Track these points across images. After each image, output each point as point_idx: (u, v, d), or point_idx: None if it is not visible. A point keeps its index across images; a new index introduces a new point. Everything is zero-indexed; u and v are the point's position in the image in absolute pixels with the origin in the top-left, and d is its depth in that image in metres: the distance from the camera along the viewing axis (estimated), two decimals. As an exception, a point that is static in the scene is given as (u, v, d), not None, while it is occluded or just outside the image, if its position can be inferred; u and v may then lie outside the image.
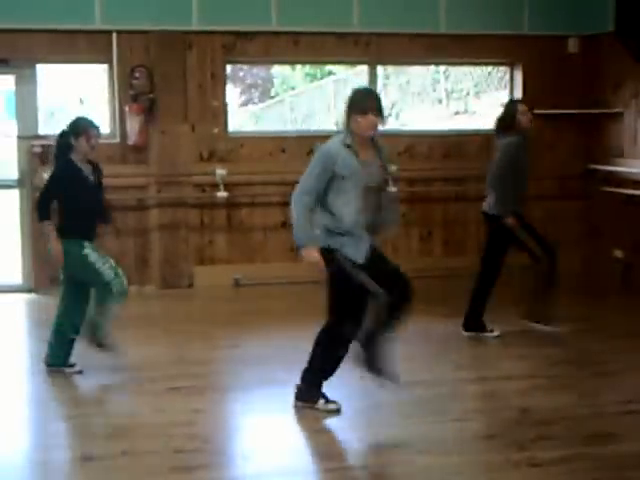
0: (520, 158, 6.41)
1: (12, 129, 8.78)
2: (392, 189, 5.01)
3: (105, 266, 5.54)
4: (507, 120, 6.48)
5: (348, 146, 4.71)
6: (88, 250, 5.56)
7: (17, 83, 8.65)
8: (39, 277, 8.58)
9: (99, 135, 5.72)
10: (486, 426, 4.85)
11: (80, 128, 5.61)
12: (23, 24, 8.26)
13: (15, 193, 8.75)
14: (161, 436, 4.56)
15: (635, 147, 8.79)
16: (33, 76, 8.66)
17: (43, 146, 8.34)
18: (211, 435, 4.69)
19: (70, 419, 4.82)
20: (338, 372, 5.00)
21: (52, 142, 8.24)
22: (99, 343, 5.60)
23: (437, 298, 7.73)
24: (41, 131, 8.61)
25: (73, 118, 5.78)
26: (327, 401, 4.92)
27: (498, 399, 5.21)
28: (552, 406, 5.03)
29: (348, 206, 4.73)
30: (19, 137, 8.61)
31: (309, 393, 4.94)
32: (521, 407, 5.02)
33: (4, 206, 10.37)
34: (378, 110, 4.71)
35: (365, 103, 4.71)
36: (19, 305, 8.27)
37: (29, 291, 8.59)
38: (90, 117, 5.83)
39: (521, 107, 6.53)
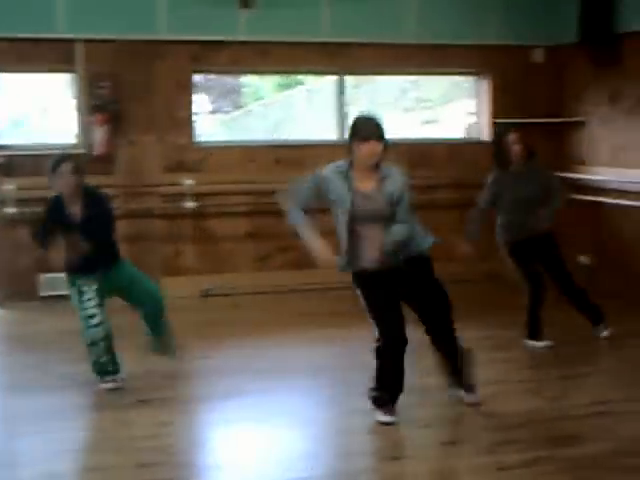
0: (501, 192, 6.42)
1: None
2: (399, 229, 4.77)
3: (81, 313, 5.43)
4: (502, 155, 6.43)
5: (342, 173, 4.70)
6: (73, 290, 5.49)
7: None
8: (2, 290, 8.42)
9: (78, 168, 5.44)
10: (453, 432, 4.90)
11: (55, 167, 5.39)
12: (-14, 33, 8.15)
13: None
14: (128, 450, 4.49)
15: (595, 155, 8.92)
16: (-3, 85, 8.56)
17: (6, 157, 8.23)
18: (179, 448, 4.63)
19: (35, 435, 4.72)
20: (309, 380, 4.95)
21: (14, 152, 8.24)
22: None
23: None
24: (4, 141, 8.49)
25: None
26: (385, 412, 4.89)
27: (463, 405, 5.20)
28: (518, 410, 5.07)
29: (338, 229, 4.79)
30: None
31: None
32: (487, 412, 5.04)
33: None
34: (380, 137, 4.66)
35: (366, 129, 4.67)
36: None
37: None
38: (64, 153, 5.65)
39: (512, 137, 6.39)
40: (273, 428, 4.84)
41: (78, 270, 5.44)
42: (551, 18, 9.25)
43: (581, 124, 9.09)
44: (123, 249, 8.49)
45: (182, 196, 8.61)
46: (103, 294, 5.53)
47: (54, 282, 8.12)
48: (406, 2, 9.09)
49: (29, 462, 4.44)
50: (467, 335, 6.47)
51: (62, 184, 5.37)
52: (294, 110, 11.95)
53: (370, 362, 5.30)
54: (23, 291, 8.39)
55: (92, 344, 5.45)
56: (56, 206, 5.47)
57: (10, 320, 7.96)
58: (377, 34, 9.00)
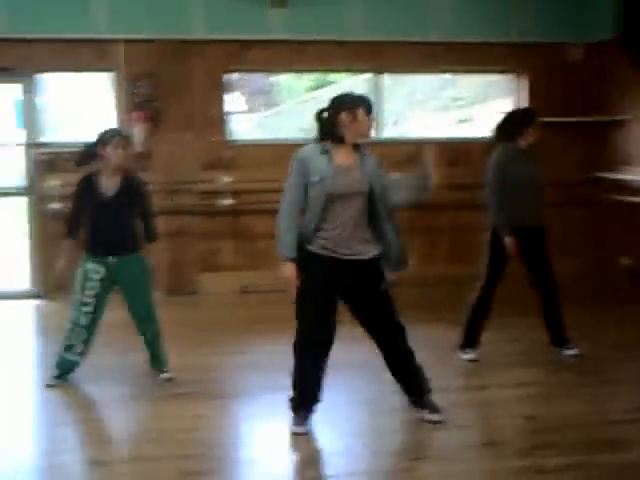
0: (508, 169, 6.05)
1: (20, 137, 8.82)
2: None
3: (77, 295, 5.54)
4: (514, 128, 6.10)
5: (325, 152, 4.57)
6: (80, 271, 5.54)
7: (24, 91, 8.71)
8: (47, 283, 8.61)
9: (128, 144, 5.54)
10: (490, 434, 4.86)
11: (107, 137, 5.48)
12: (30, 34, 8.33)
13: (23, 200, 8.82)
14: (167, 442, 4.58)
15: (638, 154, 8.80)
16: (40, 84, 8.72)
17: (49, 154, 8.39)
18: (216, 441, 4.70)
19: (78, 424, 4.84)
20: (346, 377, 4.95)
21: (58, 150, 8.41)
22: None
23: (441, 306, 7.75)
24: (47, 139, 8.67)
25: (103, 129, 5.65)
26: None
27: (502, 406, 5.20)
28: (557, 414, 5.01)
29: (310, 210, 4.58)
30: (26, 145, 8.66)
31: None
32: (526, 415, 5.02)
33: (12, 213, 10.42)
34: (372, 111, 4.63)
35: (367, 103, 4.60)
36: (26, 311, 8.30)
37: (37, 297, 8.63)
38: (118, 128, 5.64)
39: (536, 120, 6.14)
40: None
41: (95, 249, 5.52)
42: (588, 15, 9.18)
43: (622, 123, 8.94)
44: (161, 246, 8.68)
45: (219, 193, 8.71)
46: (108, 285, 5.58)
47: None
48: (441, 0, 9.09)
49: (71, 450, 4.55)
50: (499, 336, 6.54)
51: (114, 155, 5.41)
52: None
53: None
54: (63, 283, 8.52)
55: (72, 327, 5.56)
56: (88, 185, 5.51)
57: (50, 312, 8.14)
58: (412, 32, 9.01)
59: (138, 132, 8.49)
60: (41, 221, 8.65)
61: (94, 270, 5.54)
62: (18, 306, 8.40)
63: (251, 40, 8.76)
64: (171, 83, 8.67)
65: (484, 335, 6.18)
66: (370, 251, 4.66)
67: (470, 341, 6.14)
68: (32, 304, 8.50)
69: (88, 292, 5.52)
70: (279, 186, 8.54)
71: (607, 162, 9.14)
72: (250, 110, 12.44)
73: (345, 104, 4.58)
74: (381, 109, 9.28)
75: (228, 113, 8.96)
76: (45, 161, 8.45)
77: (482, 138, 9.63)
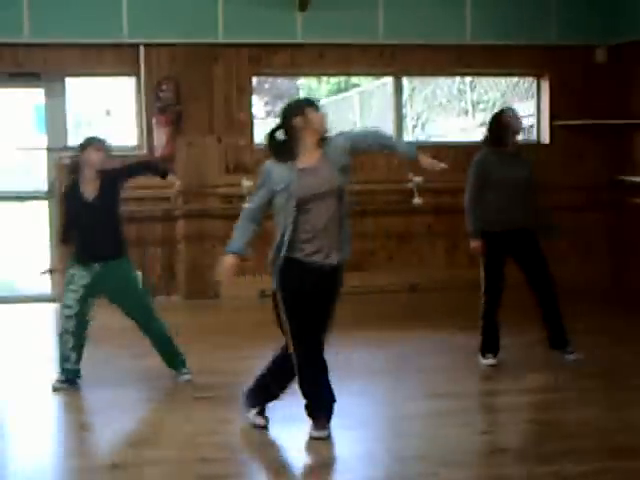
0: (489, 172, 5.95)
1: (41, 142, 8.89)
2: None
3: (69, 294, 5.59)
4: (498, 133, 6.00)
5: (286, 154, 4.56)
6: (67, 275, 5.63)
7: (47, 96, 8.78)
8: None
9: (102, 148, 5.62)
10: (511, 439, 4.81)
11: (83, 144, 5.65)
12: (53, 39, 8.39)
13: (44, 204, 8.88)
14: (189, 445, 4.59)
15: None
16: (62, 89, 8.78)
17: (73, 157, 8.42)
18: (237, 445, 4.70)
19: (99, 427, 4.85)
20: (366, 383, 4.95)
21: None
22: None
23: (461, 310, 7.70)
24: (70, 143, 8.71)
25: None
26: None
27: (524, 412, 5.16)
28: (579, 419, 4.96)
29: (283, 220, 4.54)
30: (48, 149, 8.72)
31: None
32: (547, 420, 4.98)
33: (34, 217, 10.49)
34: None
35: (311, 101, 4.64)
36: (47, 315, 8.35)
37: (57, 301, 8.66)
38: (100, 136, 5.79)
39: (513, 115, 6.05)
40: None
41: (80, 255, 5.59)
42: (612, 17, 9.11)
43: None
44: (182, 248, 8.75)
45: (241, 197, 8.70)
46: (92, 291, 5.63)
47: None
48: (463, 2, 9.07)
49: (92, 453, 4.57)
50: (519, 340, 6.50)
51: (88, 159, 5.55)
52: (349, 112, 12.01)
53: (425, 366, 5.37)
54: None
55: (60, 334, 5.65)
56: (72, 191, 5.66)
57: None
58: (433, 35, 8.99)
59: (161, 136, 8.52)
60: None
61: (80, 275, 5.60)
62: (38, 309, 8.45)
63: (274, 44, 8.78)
64: (194, 87, 8.70)
65: (504, 340, 6.14)
66: (339, 256, 4.65)
67: (489, 346, 6.09)
68: (52, 308, 8.54)
69: (71, 295, 5.59)
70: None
71: (631, 165, 9.07)
72: (269, 114, 12.47)
73: (293, 110, 4.61)
74: (403, 112, 9.27)
75: (252, 117, 8.98)
76: (66, 165, 8.47)
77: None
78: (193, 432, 4.78)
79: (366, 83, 10.88)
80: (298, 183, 4.48)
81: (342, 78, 11.20)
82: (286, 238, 4.52)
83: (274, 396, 4.85)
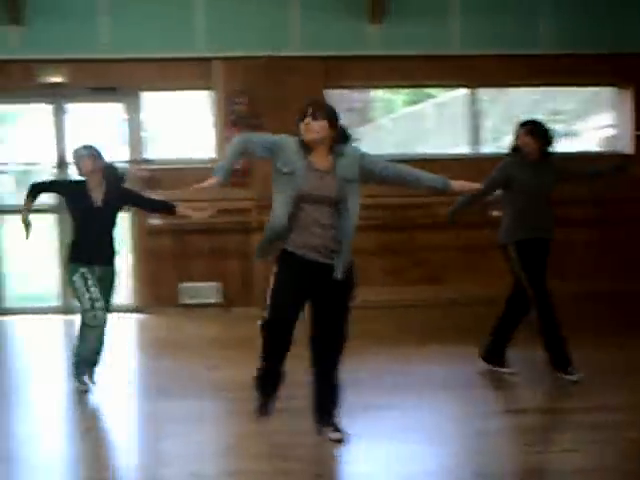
0: (513, 178, 5.95)
1: (122, 154, 9.05)
2: None
3: (85, 296, 5.70)
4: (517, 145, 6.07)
5: (303, 146, 4.59)
6: (77, 277, 5.73)
7: (125, 110, 8.94)
8: (146, 297, 8.80)
9: (92, 154, 5.83)
10: (594, 458, 4.66)
11: (75, 154, 5.88)
12: (131, 54, 8.56)
13: (125, 216, 9.00)
14: (268, 457, 4.59)
15: None
16: (139, 103, 8.93)
17: (150, 170, 8.57)
18: (317, 457, 4.68)
19: (179, 438, 4.88)
20: (448, 398, 4.86)
21: (159, 166, 8.59)
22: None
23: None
24: (148, 156, 8.86)
25: None
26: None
27: (607, 430, 5.01)
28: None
29: (281, 208, 4.62)
30: (127, 162, 8.87)
31: None
32: (632, 438, 4.83)
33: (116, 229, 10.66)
34: (315, 115, 4.58)
35: (304, 109, 4.65)
36: (127, 324, 8.49)
37: (138, 311, 8.83)
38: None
39: (522, 131, 6.05)
40: (404, 443, 4.82)
41: (80, 256, 5.76)
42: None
43: None
44: (259, 260, 8.76)
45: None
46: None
47: (193, 291, 8.50)
48: (539, 11, 8.96)
49: (172, 463, 4.58)
50: (596, 356, 6.33)
51: (83, 166, 5.79)
52: (424, 124, 11.93)
53: (504, 381, 5.25)
54: (165, 298, 8.73)
55: (90, 327, 5.74)
56: (80, 189, 5.83)
57: (152, 326, 8.34)
58: (509, 45, 8.91)
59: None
60: (141, 237, 8.84)
61: (89, 272, 5.75)
62: (120, 319, 8.58)
63: (349, 56, 8.79)
64: (268, 100, 8.76)
65: (582, 356, 6.00)
66: (334, 260, 4.66)
67: (563, 360, 5.95)
68: (131, 317, 8.69)
69: (93, 290, 5.71)
70: (379, 202, 8.69)
71: None
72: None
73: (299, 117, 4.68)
74: (478, 124, 9.18)
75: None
76: (146, 177, 8.63)
77: (585, 152, 9.46)
78: (271, 444, 4.78)
79: (441, 94, 10.81)
80: (304, 179, 4.56)
81: (416, 89, 11.13)
82: (283, 224, 4.59)
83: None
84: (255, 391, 4.81)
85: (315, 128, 4.57)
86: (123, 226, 9.22)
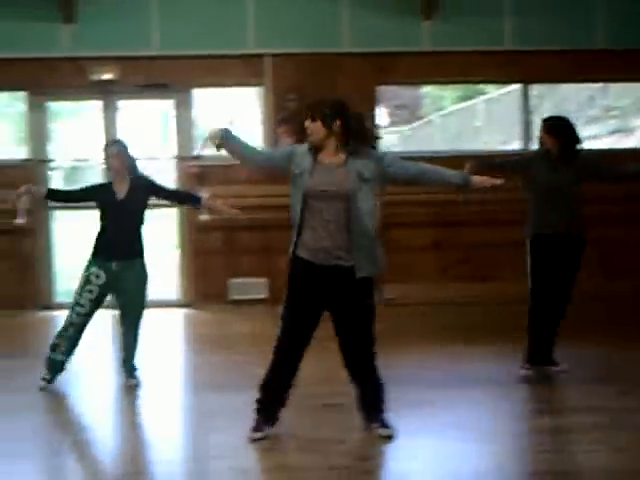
0: (535, 170, 5.94)
1: (166, 151, 9.12)
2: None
3: (76, 295, 5.78)
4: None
5: (310, 149, 4.62)
6: (84, 274, 5.80)
7: (175, 107, 8.99)
8: (195, 293, 8.85)
9: (119, 150, 5.87)
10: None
11: (104, 149, 5.94)
12: (181, 51, 8.60)
13: (173, 212, 9.08)
14: (315, 452, 4.57)
15: None
16: (190, 100, 8.98)
17: (200, 167, 8.61)
18: (365, 453, 4.65)
19: (226, 431, 4.89)
20: (494, 396, 4.83)
21: (207, 163, 8.62)
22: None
23: (597, 322, 7.49)
24: (196, 152, 8.90)
25: None
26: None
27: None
28: None
29: (293, 205, 4.65)
30: (177, 158, 8.92)
31: None
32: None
33: (163, 224, 10.76)
34: (312, 116, 4.60)
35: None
36: (176, 320, 8.54)
37: (185, 306, 8.88)
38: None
39: (542, 127, 6.04)
40: (451, 441, 4.76)
41: (101, 251, 5.79)
42: None
43: None
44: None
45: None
46: (106, 291, 5.83)
47: (243, 287, 8.54)
48: (592, 6, 8.81)
49: (219, 456, 4.58)
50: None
51: (110, 162, 5.84)
52: (475, 120, 11.85)
53: (555, 379, 5.17)
54: (214, 294, 8.78)
55: (66, 327, 5.81)
56: (106, 188, 5.90)
57: (203, 321, 8.39)
58: (562, 41, 8.80)
59: (285, 146, 8.58)
60: (190, 232, 8.89)
61: (96, 274, 5.77)
62: (167, 315, 8.65)
63: (399, 52, 8.74)
64: (318, 97, 8.70)
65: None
66: (348, 262, 4.60)
67: (532, 355, 5.96)
68: (180, 313, 8.74)
69: (86, 295, 5.76)
70: (428, 198, 8.63)
71: None
72: (392, 124, 12.43)
73: None
74: (529, 120, 9.07)
75: (379, 126, 8.97)
76: (194, 174, 8.67)
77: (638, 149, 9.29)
78: (321, 439, 4.75)
79: (492, 90, 10.71)
80: (311, 175, 4.55)
81: (467, 86, 11.06)
82: (295, 232, 4.61)
83: None
84: (255, 409, 4.83)
85: (311, 129, 4.60)
86: (170, 221, 9.31)
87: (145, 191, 5.91)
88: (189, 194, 6.27)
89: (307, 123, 4.61)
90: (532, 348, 5.98)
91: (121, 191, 5.86)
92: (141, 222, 5.92)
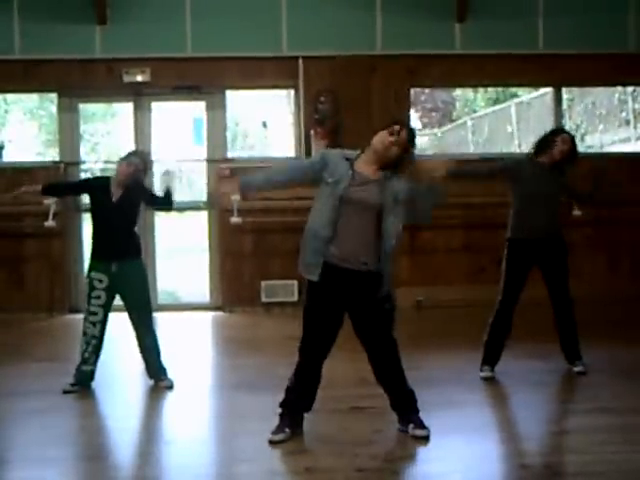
0: (520, 176, 5.98)
1: (198, 153, 9.16)
2: None
3: (93, 301, 5.82)
4: (544, 145, 6.06)
5: (348, 159, 4.61)
6: (88, 279, 5.86)
7: (208, 108, 9.04)
8: (226, 295, 8.88)
9: (132, 163, 5.92)
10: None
11: (122, 157, 6.07)
12: (214, 53, 8.65)
13: (204, 215, 9.12)
14: (343, 454, 4.57)
15: None
16: (222, 102, 9.02)
17: (231, 169, 8.65)
18: (393, 455, 4.65)
19: (257, 435, 4.90)
20: (525, 396, 4.80)
21: (239, 165, 8.66)
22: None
23: (626, 323, 7.43)
24: (230, 154, 8.95)
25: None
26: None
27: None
28: None
29: (320, 211, 4.61)
30: (208, 160, 8.97)
31: None
32: None
33: (194, 227, 10.83)
34: (401, 130, 4.59)
35: (395, 121, 4.67)
36: (206, 322, 8.58)
37: (216, 309, 8.92)
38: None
39: (564, 137, 6.06)
40: (483, 442, 4.76)
41: (98, 253, 5.85)
42: None
43: None
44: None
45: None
46: (112, 293, 5.87)
47: (274, 289, 8.57)
48: (625, 9, 8.76)
49: (247, 460, 4.60)
50: None
51: (119, 170, 5.91)
52: (507, 123, 11.81)
53: (588, 380, 5.14)
54: (246, 297, 8.82)
55: (87, 341, 5.87)
56: (104, 187, 5.93)
57: (234, 324, 8.42)
58: (595, 44, 8.73)
59: (318, 147, 8.61)
60: (221, 235, 8.92)
61: (98, 279, 5.83)
62: (198, 317, 8.69)
63: (432, 55, 8.74)
64: (352, 99, 8.76)
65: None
66: (375, 264, 4.63)
67: (487, 358, 6.06)
68: (211, 315, 8.78)
69: (95, 301, 5.83)
70: (460, 201, 8.61)
71: None
72: (424, 126, 12.42)
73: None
74: (562, 123, 9.02)
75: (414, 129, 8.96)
76: (226, 176, 8.70)
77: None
78: (349, 442, 4.76)
79: (524, 93, 10.66)
80: (349, 184, 4.55)
81: (499, 89, 11.01)
82: (323, 234, 4.58)
83: None
84: (280, 412, 4.88)
85: (399, 143, 4.59)
86: (201, 224, 9.36)
87: (137, 194, 5.98)
88: (162, 199, 6.13)
89: (396, 137, 4.59)
90: (488, 350, 6.11)
91: (117, 192, 5.92)
92: (134, 222, 5.99)
